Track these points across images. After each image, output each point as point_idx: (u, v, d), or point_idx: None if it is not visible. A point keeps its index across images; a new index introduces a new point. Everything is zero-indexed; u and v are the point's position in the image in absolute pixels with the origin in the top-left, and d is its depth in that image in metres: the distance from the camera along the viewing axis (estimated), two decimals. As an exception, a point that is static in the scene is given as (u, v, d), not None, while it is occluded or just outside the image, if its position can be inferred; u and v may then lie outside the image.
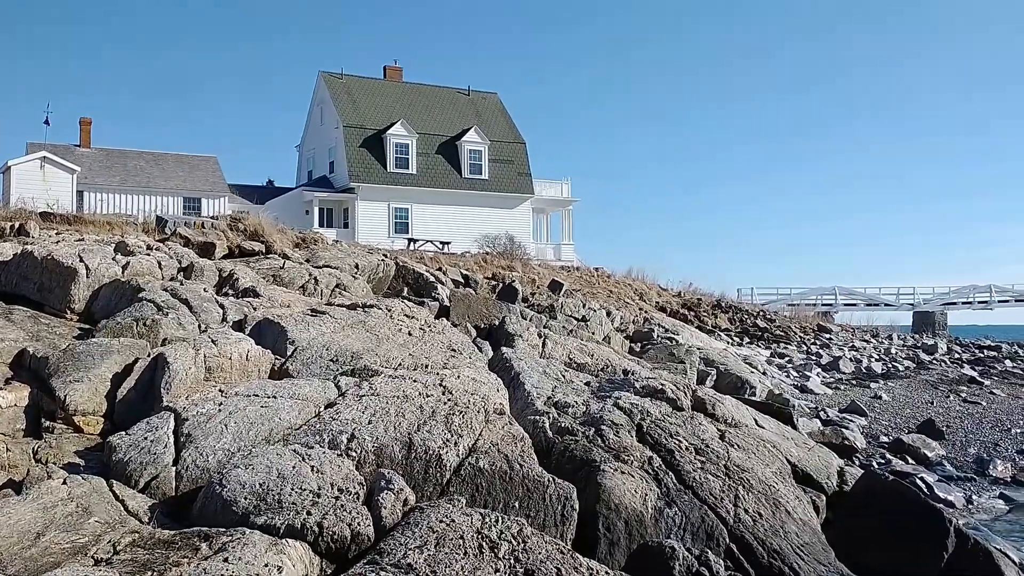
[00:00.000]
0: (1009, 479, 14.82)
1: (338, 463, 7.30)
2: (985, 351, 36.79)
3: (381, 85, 45.55)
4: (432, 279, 21.20)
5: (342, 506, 6.59)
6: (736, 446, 9.01)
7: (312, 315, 12.45)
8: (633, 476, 7.80)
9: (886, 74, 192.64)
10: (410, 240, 37.10)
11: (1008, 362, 33.04)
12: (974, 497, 13.06)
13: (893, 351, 33.52)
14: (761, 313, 38.12)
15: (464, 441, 8.03)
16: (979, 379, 27.28)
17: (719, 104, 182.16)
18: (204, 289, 14.12)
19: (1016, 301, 52.02)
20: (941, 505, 11.02)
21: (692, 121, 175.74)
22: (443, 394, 8.93)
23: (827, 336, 35.95)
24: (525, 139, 44.90)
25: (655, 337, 22.88)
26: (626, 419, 9.27)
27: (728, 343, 29.28)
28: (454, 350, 11.86)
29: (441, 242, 36.57)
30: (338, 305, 13.74)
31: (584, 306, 22.39)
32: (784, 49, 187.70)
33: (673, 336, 23.70)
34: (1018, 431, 20.45)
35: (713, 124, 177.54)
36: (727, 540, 7.03)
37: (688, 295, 38.06)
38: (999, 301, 51.40)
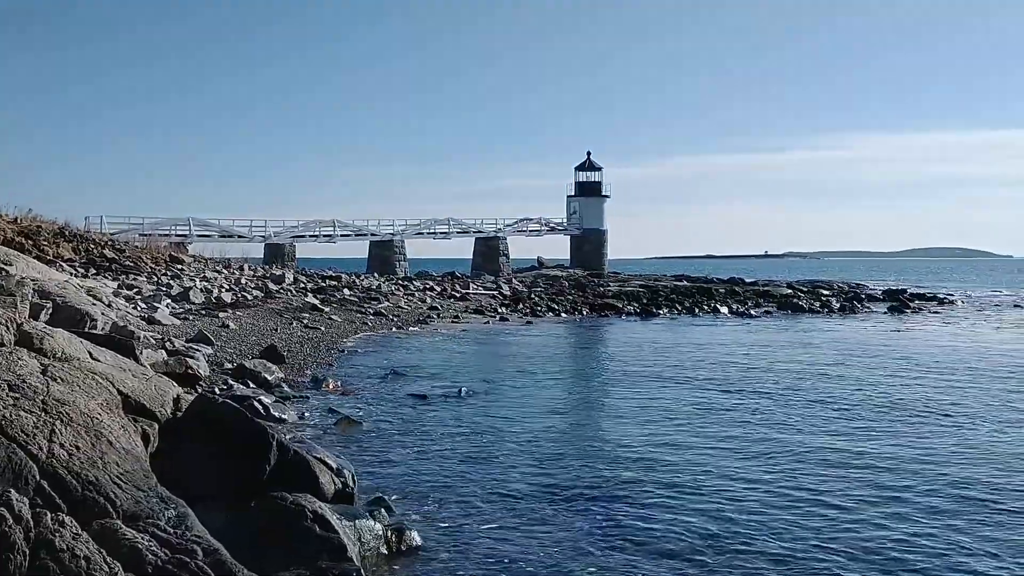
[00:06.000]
0: (339, 395, 16.40)
1: None
2: (327, 281, 40.14)
3: None
4: None
5: None
6: (59, 380, 8.35)
7: None
8: (-77, 421, 6.74)
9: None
10: None
11: (346, 291, 36.55)
12: (307, 413, 14.13)
13: (244, 281, 34.68)
14: (110, 243, 36.24)
15: None
16: (320, 307, 29.70)
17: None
18: None
19: (356, 235, 57.27)
20: (273, 423, 11.71)
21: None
22: None
23: (179, 267, 35.72)
24: None
25: (-20, 267, 20.29)
26: (-81, 358, 8.00)
27: (72, 274, 27.35)
28: None
29: None
30: None
31: None
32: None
33: (5, 267, 21.27)
34: (348, 347, 22.77)
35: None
36: (38, 477, 6.49)
37: (27, 222, 34.49)
38: (341, 235, 56.07)
